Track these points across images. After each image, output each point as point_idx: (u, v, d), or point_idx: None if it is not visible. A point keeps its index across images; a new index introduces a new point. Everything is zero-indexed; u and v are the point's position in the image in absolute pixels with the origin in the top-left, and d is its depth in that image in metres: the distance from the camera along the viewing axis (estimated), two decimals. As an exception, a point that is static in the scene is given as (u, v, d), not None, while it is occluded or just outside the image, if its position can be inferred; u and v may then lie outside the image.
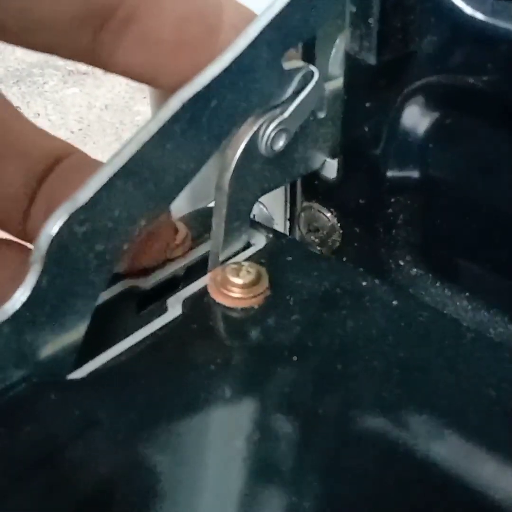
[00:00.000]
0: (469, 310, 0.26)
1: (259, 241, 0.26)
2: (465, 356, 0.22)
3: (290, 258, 0.25)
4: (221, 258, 0.25)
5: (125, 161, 0.20)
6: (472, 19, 0.21)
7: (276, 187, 0.27)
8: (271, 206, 0.32)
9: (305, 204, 0.29)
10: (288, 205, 0.32)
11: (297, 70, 0.24)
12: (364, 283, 0.24)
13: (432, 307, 0.25)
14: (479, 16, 0.21)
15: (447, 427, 0.19)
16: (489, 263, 0.25)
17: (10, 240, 0.23)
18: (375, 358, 0.21)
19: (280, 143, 0.24)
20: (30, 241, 0.21)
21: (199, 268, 0.25)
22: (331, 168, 0.27)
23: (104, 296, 0.23)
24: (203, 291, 0.24)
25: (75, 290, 0.20)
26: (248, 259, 0.25)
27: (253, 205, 0.26)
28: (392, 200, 0.26)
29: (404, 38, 0.22)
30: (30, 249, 0.21)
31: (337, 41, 0.27)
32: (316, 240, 0.30)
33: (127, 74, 0.23)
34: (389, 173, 0.26)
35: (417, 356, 0.21)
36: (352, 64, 0.24)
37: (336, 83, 0.26)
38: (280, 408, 0.20)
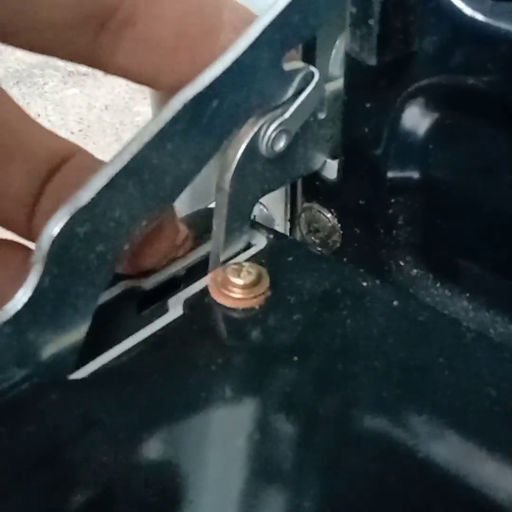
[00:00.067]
0: (469, 310, 0.26)
1: (260, 241, 0.26)
2: (465, 356, 0.22)
3: (290, 259, 0.26)
4: (222, 258, 0.25)
5: (126, 162, 0.20)
6: (472, 19, 0.21)
7: (277, 187, 0.27)
8: (272, 207, 0.32)
9: (305, 204, 0.29)
10: (289, 205, 0.32)
11: (297, 71, 0.24)
12: (364, 284, 0.24)
13: (433, 307, 0.25)
14: (479, 17, 0.21)
15: (447, 427, 0.19)
16: (489, 264, 0.25)
17: (11, 240, 0.23)
18: (375, 358, 0.21)
19: (281, 144, 0.24)
20: (35, 241, 0.21)
21: (200, 268, 0.25)
22: (331, 169, 0.27)
23: (105, 296, 0.23)
24: (204, 292, 0.24)
25: (76, 290, 0.20)
26: (249, 259, 0.25)
27: (253, 205, 0.26)
28: (393, 200, 0.26)
29: (404, 39, 0.22)
30: (31, 249, 0.21)
31: (338, 42, 0.27)
32: (317, 241, 0.30)
33: (127, 75, 0.23)
34: (390, 174, 0.26)
35: (417, 356, 0.22)
36: (352, 64, 0.24)
37: (337, 84, 0.26)
38: (280, 408, 0.20)
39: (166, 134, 0.20)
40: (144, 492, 0.18)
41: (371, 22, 0.21)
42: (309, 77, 0.24)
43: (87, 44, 0.21)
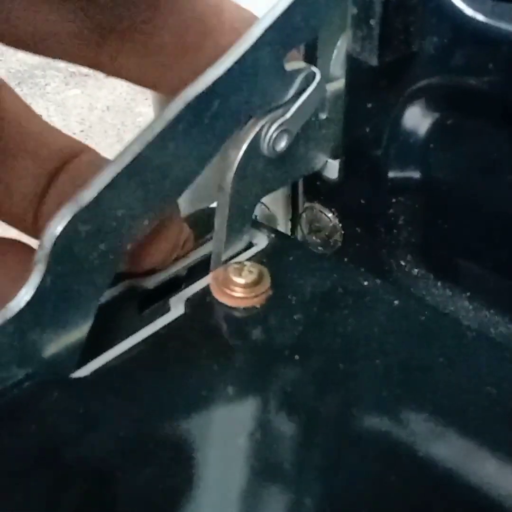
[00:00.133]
0: (470, 310, 0.26)
1: (261, 241, 0.26)
2: (466, 355, 0.22)
3: (292, 258, 0.26)
4: (223, 258, 0.25)
5: (129, 161, 0.20)
6: (472, 20, 0.21)
7: (278, 187, 0.27)
8: (273, 207, 0.32)
9: (306, 204, 0.29)
10: (290, 205, 0.32)
11: (299, 71, 0.24)
12: (365, 283, 0.24)
13: (433, 307, 0.25)
14: (480, 17, 0.21)
15: (448, 426, 0.19)
16: (489, 263, 0.25)
17: (14, 239, 0.23)
18: (376, 357, 0.21)
19: (282, 144, 0.25)
20: None
21: (201, 268, 0.25)
22: (332, 169, 0.28)
23: (107, 295, 0.23)
24: (206, 291, 0.24)
25: (79, 289, 0.20)
26: (250, 259, 0.25)
27: (255, 205, 0.26)
28: (393, 200, 0.26)
29: (405, 40, 0.22)
30: (33, 249, 0.21)
31: (339, 42, 0.27)
32: (318, 240, 0.30)
33: (129, 78, 0.23)
34: (391, 174, 0.26)
35: (418, 355, 0.22)
36: (353, 65, 0.24)
37: (338, 84, 0.26)
38: (281, 407, 0.20)
39: (168, 134, 0.20)
40: (146, 489, 0.18)
41: (372, 22, 0.21)
42: (310, 77, 0.24)
43: (90, 51, 0.21)
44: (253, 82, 0.22)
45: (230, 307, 0.23)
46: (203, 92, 0.21)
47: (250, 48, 0.21)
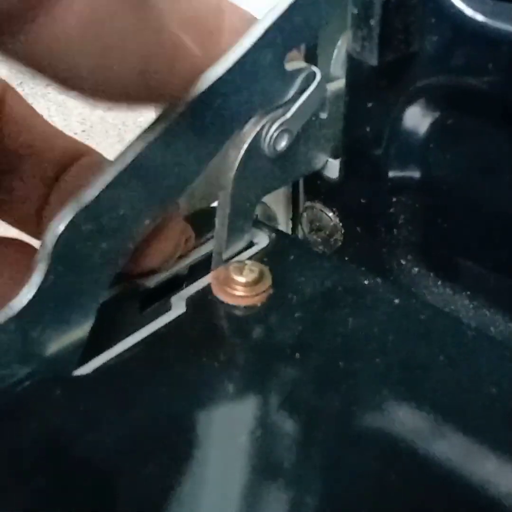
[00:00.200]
0: (470, 308, 0.26)
1: (262, 240, 0.27)
2: (466, 354, 0.22)
3: (292, 257, 0.26)
4: (224, 257, 0.25)
5: (130, 161, 0.20)
6: (472, 20, 0.21)
7: (279, 187, 0.27)
8: (274, 206, 0.32)
9: (307, 204, 0.29)
10: (291, 204, 0.32)
11: (299, 71, 0.24)
12: (365, 282, 0.24)
13: (433, 305, 0.25)
14: (480, 17, 0.21)
15: (448, 425, 0.19)
16: (490, 262, 0.25)
17: (15, 239, 0.23)
18: (376, 356, 0.21)
19: (283, 144, 0.25)
20: None
21: (202, 267, 0.25)
22: (333, 168, 0.28)
23: (109, 294, 0.23)
24: (207, 290, 0.24)
25: (80, 288, 0.20)
26: (251, 258, 0.25)
27: (256, 204, 0.26)
28: (394, 200, 0.26)
29: (405, 39, 0.22)
30: (35, 248, 0.21)
31: (339, 42, 0.27)
32: (319, 240, 0.30)
33: None
34: (391, 173, 0.26)
35: (418, 354, 0.22)
36: (353, 65, 0.24)
37: (338, 84, 0.26)
38: (282, 405, 0.20)
39: (169, 134, 0.21)
40: (148, 488, 0.18)
41: (372, 22, 0.22)
42: (311, 77, 0.24)
43: None
44: (254, 82, 0.22)
45: (231, 306, 0.23)
46: (203, 92, 0.21)
47: (251, 48, 0.21)
